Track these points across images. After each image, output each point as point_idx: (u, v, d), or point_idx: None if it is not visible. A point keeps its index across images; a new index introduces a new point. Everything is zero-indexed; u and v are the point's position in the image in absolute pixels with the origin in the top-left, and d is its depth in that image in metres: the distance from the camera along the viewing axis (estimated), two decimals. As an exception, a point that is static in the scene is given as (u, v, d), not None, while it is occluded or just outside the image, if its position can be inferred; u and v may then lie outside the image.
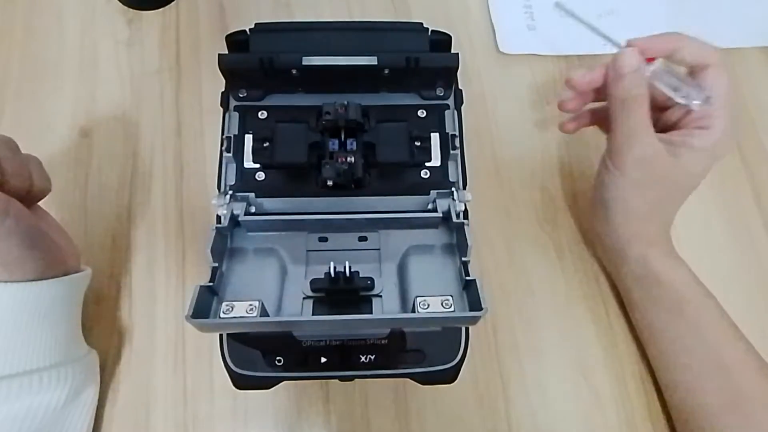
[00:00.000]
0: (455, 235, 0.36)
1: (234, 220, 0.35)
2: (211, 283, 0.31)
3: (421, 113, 0.38)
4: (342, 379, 0.35)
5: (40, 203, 0.36)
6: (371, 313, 0.33)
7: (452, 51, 0.39)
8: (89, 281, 0.38)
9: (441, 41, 0.39)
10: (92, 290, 0.42)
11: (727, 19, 0.53)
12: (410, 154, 0.36)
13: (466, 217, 0.36)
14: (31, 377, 0.31)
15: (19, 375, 0.31)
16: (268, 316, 0.30)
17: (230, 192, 0.36)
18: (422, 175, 0.37)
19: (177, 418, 0.39)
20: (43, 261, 0.32)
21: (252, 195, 0.36)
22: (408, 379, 0.35)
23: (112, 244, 0.43)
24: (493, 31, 0.52)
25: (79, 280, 0.36)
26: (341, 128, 0.36)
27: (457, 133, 0.38)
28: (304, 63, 0.36)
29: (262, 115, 0.38)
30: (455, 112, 0.39)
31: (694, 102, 0.36)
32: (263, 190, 0.36)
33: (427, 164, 0.37)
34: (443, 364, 0.34)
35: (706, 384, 0.35)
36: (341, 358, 0.34)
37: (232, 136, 0.37)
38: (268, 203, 0.36)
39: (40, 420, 0.32)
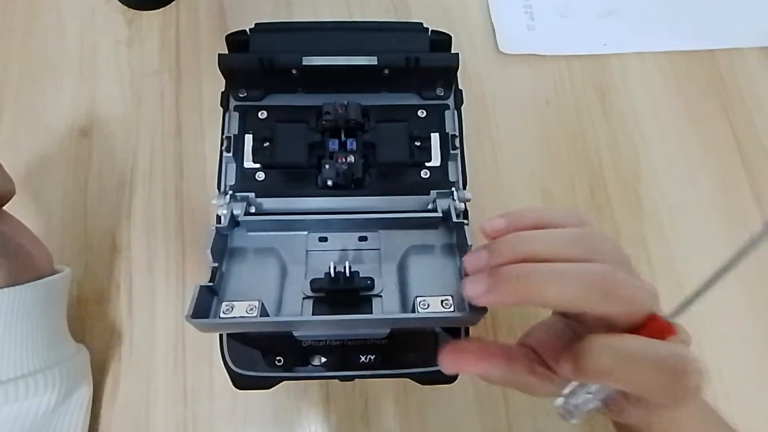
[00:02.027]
0: (455, 235, 0.36)
1: (234, 220, 0.35)
2: (211, 283, 0.31)
3: (421, 113, 0.38)
4: (342, 379, 0.35)
5: (6, 207, 0.34)
6: (371, 313, 0.33)
7: (452, 51, 0.39)
8: (68, 282, 0.37)
9: (441, 41, 0.39)
10: (92, 290, 0.42)
11: (727, 19, 0.53)
12: (410, 154, 0.36)
13: (466, 217, 0.36)
14: (17, 384, 0.31)
15: (3, 383, 0.31)
16: (268, 316, 0.30)
17: (230, 192, 0.36)
18: (422, 175, 0.37)
19: (177, 418, 0.39)
20: (12, 267, 0.31)
21: (252, 195, 0.36)
22: (408, 379, 0.35)
23: (112, 244, 0.43)
24: (493, 31, 0.52)
25: (55, 283, 0.34)
26: (341, 128, 0.36)
27: (457, 133, 0.38)
28: (304, 63, 0.36)
29: (262, 115, 0.38)
30: (455, 112, 0.39)
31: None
32: (263, 190, 0.36)
33: (427, 164, 0.37)
34: (443, 364, 0.34)
35: None
36: (341, 358, 0.34)
37: (232, 136, 0.37)
38: (268, 203, 0.36)
39: (31, 423, 0.32)
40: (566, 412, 0.25)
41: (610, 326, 0.23)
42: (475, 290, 0.24)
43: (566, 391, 0.25)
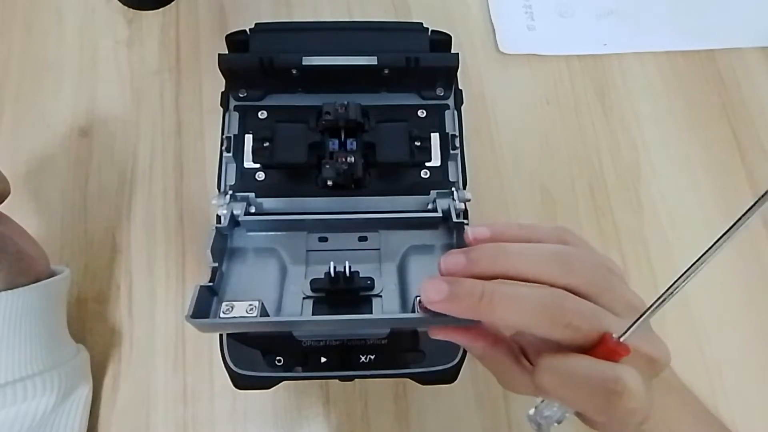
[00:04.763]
0: (455, 235, 0.36)
1: (234, 220, 0.35)
2: (211, 283, 0.31)
3: (421, 113, 0.38)
4: (342, 379, 0.35)
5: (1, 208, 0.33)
6: (371, 313, 0.33)
7: (452, 51, 0.39)
8: (68, 283, 0.37)
9: (441, 41, 0.39)
10: (92, 290, 0.42)
11: (727, 19, 0.53)
12: (410, 154, 0.36)
13: (466, 217, 0.36)
14: (15, 387, 0.31)
15: (1, 386, 0.30)
16: (268, 316, 0.30)
17: (230, 192, 0.36)
18: (422, 175, 0.37)
19: (177, 418, 0.39)
20: (12, 269, 0.31)
21: (252, 195, 0.36)
22: (408, 379, 0.35)
23: (112, 244, 0.43)
24: (493, 31, 0.52)
25: (54, 285, 0.34)
26: (341, 128, 0.36)
27: (457, 133, 0.38)
28: (304, 63, 0.36)
29: (262, 115, 0.38)
30: (455, 112, 0.39)
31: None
32: (263, 190, 0.36)
33: (427, 164, 0.37)
34: (443, 364, 0.34)
35: None
36: (341, 358, 0.34)
37: (232, 136, 0.37)
38: (268, 203, 0.36)
39: (29, 426, 0.32)
40: (536, 423, 0.26)
41: (565, 345, 0.23)
42: (431, 295, 0.24)
43: (538, 402, 0.26)
